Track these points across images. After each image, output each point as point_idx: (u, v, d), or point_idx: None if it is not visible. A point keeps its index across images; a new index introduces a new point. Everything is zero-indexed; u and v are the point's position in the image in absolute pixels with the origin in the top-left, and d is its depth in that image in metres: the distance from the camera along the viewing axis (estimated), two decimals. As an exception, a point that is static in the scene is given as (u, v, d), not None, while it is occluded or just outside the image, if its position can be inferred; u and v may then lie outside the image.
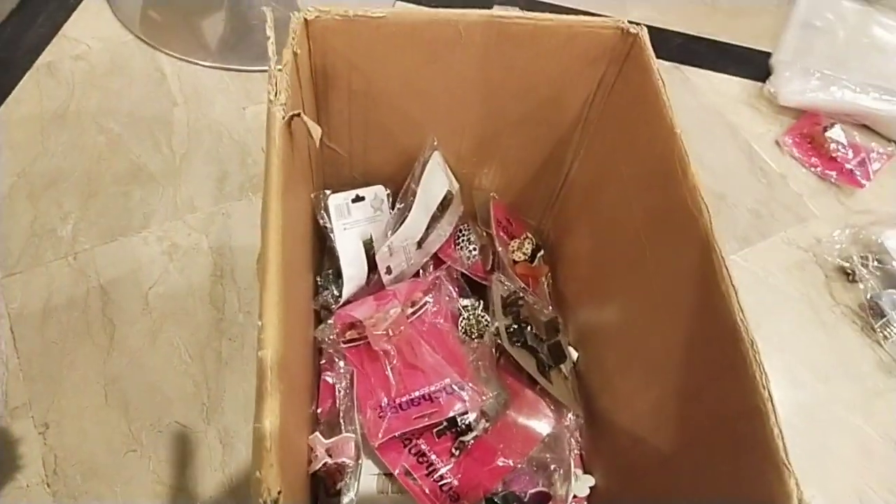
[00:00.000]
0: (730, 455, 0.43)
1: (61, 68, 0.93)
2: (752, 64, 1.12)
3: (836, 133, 1.01)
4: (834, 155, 1.00)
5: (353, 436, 0.55)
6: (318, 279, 0.67)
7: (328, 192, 0.64)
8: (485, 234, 0.76)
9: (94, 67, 0.94)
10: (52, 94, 0.90)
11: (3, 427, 0.65)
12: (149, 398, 0.68)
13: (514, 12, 0.53)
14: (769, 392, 0.39)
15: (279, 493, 0.32)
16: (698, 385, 0.47)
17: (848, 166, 0.99)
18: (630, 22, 0.56)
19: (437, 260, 0.71)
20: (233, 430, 0.67)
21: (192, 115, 0.90)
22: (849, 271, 0.88)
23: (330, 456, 0.54)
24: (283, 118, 0.44)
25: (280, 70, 0.45)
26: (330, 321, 0.63)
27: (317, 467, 0.53)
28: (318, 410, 0.61)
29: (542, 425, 0.62)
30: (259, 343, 0.36)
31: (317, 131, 0.46)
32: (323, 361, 0.64)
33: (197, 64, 0.96)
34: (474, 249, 0.75)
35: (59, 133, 0.86)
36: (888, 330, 0.83)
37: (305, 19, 0.51)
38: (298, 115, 0.45)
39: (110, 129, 0.88)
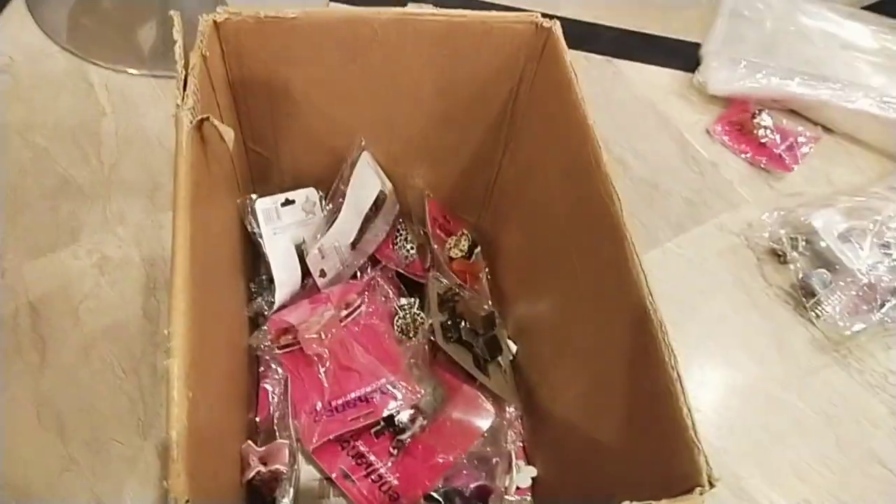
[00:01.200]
0: (649, 437, 0.44)
1: (-17, 82, 0.90)
2: (682, 55, 1.15)
3: (765, 119, 1.04)
4: (763, 141, 1.03)
5: (287, 442, 0.55)
6: (252, 285, 0.67)
7: (254, 196, 0.63)
8: (421, 232, 0.76)
9: (17, 80, 0.91)
10: (-27, 109, 0.87)
11: (-73, 456, 0.62)
12: (84, 416, 0.66)
13: (427, 9, 0.54)
14: (678, 372, 0.40)
15: (187, 501, 0.32)
16: (618, 370, 0.48)
17: (777, 151, 1.02)
18: (544, 15, 0.57)
19: (374, 261, 0.71)
20: (171, 444, 0.66)
21: (122, 125, 0.88)
22: (780, 253, 0.91)
23: (264, 464, 0.54)
24: (192, 123, 0.43)
25: (187, 73, 0.45)
26: (264, 327, 0.62)
27: (250, 476, 0.53)
28: (258, 419, 0.61)
29: (481, 420, 0.62)
30: (167, 352, 0.36)
31: (229, 134, 0.46)
32: (261, 369, 0.63)
33: (125, 72, 0.94)
34: (412, 248, 0.75)
35: (-19, 149, 0.83)
36: (819, 308, 0.86)
37: (215, 21, 0.50)
38: (208, 118, 0.44)
39: (36, 142, 0.85)
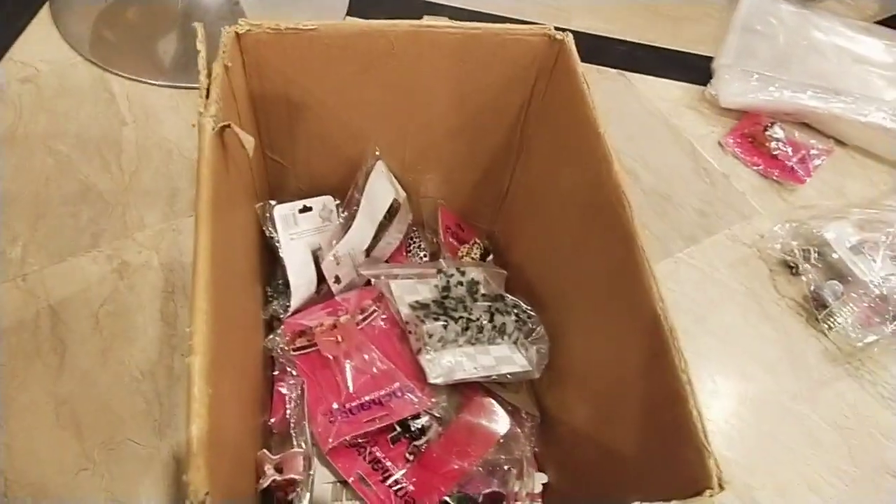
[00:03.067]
0: (660, 442, 0.44)
1: (8, 92, 0.92)
2: (694, 68, 1.16)
3: (777, 132, 1.05)
4: (775, 153, 1.03)
5: (302, 450, 0.56)
6: (268, 289, 0.68)
7: (273, 202, 0.65)
8: (434, 240, 0.77)
9: (41, 90, 0.94)
10: (-1, 117, 0.90)
11: (-52, 453, 0.64)
12: (100, 417, 0.68)
13: (443, 21, 0.55)
14: (688, 376, 0.40)
15: (206, 494, 0.33)
16: (630, 376, 0.48)
17: (789, 163, 1.03)
18: (557, 28, 0.58)
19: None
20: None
21: (142, 134, 0.90)
22: (792, 264, 0.91)
23: (279, 472, 0.54)
24: (213, 129, 0.45)
25: (210, 82, 0.46)
26: (279, 330, 0.63)
27: (265, 484, 0.53)
28: (271, 421, 0.62)
29: (496, 426, 0.63)
30: (188, 349, 0.37)
31: (249, 142, 0.47)
32: (276, 372, 0.64)
33: (147, 83, 0.97)
34: (425, 256, 0.76)
35: (7, 156, 0.85)
36: (831, 320, 0.86)
37: (237, 33, 0.52)
38: (229, 125, 0.46)
39: (59, 150, 0.87)
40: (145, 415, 0.68)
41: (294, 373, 0.63)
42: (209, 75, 0.47)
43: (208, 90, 0.46)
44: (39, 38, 1.00)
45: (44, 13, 1.03)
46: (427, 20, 0.55)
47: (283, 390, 0.63)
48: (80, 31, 1.02)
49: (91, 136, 0.89)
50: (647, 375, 0.45)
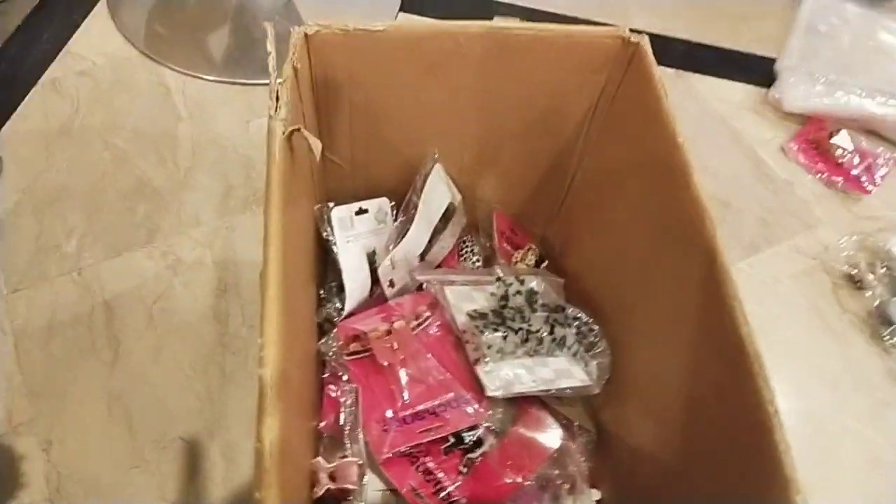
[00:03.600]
0: (736, 470, 0.42)
1: (66, 85, 0.94)
2: (756, 70, 1.12)
3: (843, 139, 1.00)
4: (840, 161, 0.99)
5: (356, 459, 0.55)
6: (322, 292, 0.67)
7: (332, 204, 0.64)
8: (488, 245, 0.75)
9: (98, 83, 0.95)
10: (57, 110, 0.90)
11: (6, 444, 0.65)
12: (153, 413, 0.68)
13: (513, 22, 0.53)
14: (775, 407, 0.38)
15: (278, 513, 0.32)
16: (704, 399, 0.46)
17: (854, 172, 0.99)
18: (631, 30, 0.55)
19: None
20: (236, 445, 0.67)
21: (197, 130, 0.91)
22: (857, 279, 0.87)
23: (333, 480, 0.54)
24: (284, 133, 0.44)
25: (280, 85, 0.45)
26: (333, 333, 0.62)
27: (320, 493, 0.53)
28: (322, 424, 0.61)
29: (550, 440, 0.61)
30: (259, 361, 0.36)
31: (317, 146, 0.46)
32: (326, 374, 0.63)
33: (201, 78, 0.97)
34: (478, 261, 0.74)
35: (64, 149, 0.86)
36: (896, 338, 0.82)
37: (306, 34, 0.51)
38: (298, 129, 0.45)
39: (115, 144, 0.88)
40: (197, 413, 0.68)
41: (346, 378, 0.62)
42: (279, 78, 0.45)
43: (278, 93, 0.45)
44: (97, 31, 1.01)
45: (100, 7, 1.04)
46: (498, 21, 0.53)
47: (333, 394, 0.62)
48: (136, 24, 1.03)
49: (147, 131, 0.89)
50: (727, 400, 0.43)
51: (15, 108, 0.90)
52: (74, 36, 1.00)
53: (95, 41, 1.00)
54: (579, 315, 0.63)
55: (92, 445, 0.66)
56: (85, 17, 1.03)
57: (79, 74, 0.95)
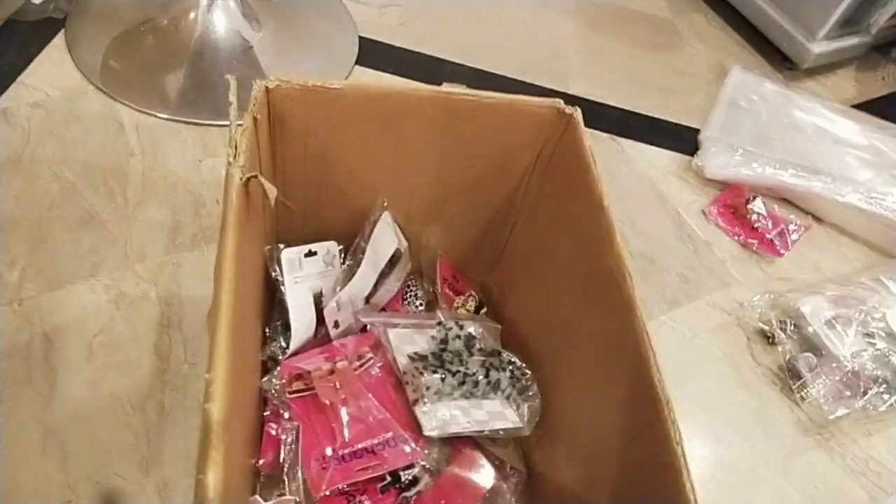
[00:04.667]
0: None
1: (17, 115, 0.93)
2: (682, 139, 1.22)
3: (758, 205, 1.10)
4: (756, 225, 1.08)
5: (293, 497, 0.56)
6: (267, 330, 0.69)
7: (282, 246, 0.66)
8: (431, 290, 0.79)
9: (51, 115, 0.95)
10: (6, 140, 0.90)
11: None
12: (88, 449, 0.67)
13: (461, 89, 0.58)
14: (682, 449, 0.42)
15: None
16: (623, 441, 0.50)
17: (768, 236, 1.08)
18: (567, 100, 0.61)
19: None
20: (171, 483, 0.66)
21: (148, 166, 0.92)
22: (769, 334, 0.94)
23: (271, 519, 0.55)
24: (241, 179, 0.47)
25: (240, 134, 0.49)
26: (276, 371, 0.64)
27: (257, 531, 0.54)
28: (260, 462, 0.62)
29: (483, 480, 0.64)
30: (206, 396, 0.38)
31: (273, 192, 0.49)
32: (267, 413, 0.65)
33: (156, 116, 0.98)
34: (421, 305, 0.78)
35: (12, 179, 0.86)
36: (805, 391, 0.89)
37: (266, 87, 0.54)
38: (255, 176, 0.48)
39: (64, 176, 0.88)
40: (133, 449, 0.68)
41: (287, 416, 0.63)
42: (239, 126, 0.49)
43: (237, 142, 0.48)
44: (52, 64, 1.02)
45: (58, 40, 1.05)
46: (446, 86, 0.58)
47: (273, 431, 0.63)
48: (93, 60, 1.04)
49: (98, 165, 0.90)
50: (639, 443, 0.47)
51: (-37, 137, 0.89)
52: (29, 67, 1.00)
53: (51, 73, 1.00)
54: (513, 360, 0.67)
55: (24, 479, 0.64)
56: (41, 49, 1.03)
57: (32, 106, 0.95)
